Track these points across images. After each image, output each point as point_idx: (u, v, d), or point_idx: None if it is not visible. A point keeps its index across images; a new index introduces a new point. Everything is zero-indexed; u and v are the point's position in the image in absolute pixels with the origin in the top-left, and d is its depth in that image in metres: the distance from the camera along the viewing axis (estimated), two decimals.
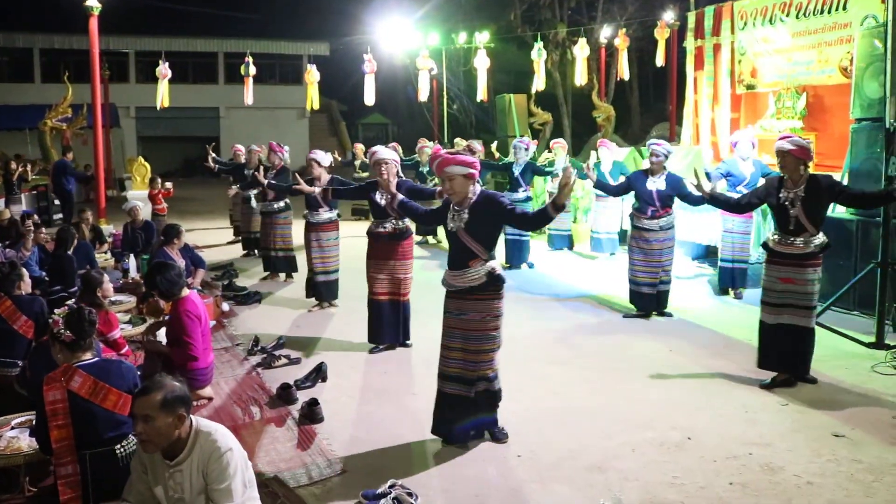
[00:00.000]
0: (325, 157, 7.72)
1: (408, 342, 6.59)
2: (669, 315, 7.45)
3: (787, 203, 5.29)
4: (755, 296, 7.96)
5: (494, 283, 4.39)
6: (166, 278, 5.18)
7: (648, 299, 7.40)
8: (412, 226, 6.58)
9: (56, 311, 3.79)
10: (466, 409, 4.46)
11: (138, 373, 3.94)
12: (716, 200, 5.98)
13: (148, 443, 2.95)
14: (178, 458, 2.97)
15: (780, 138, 5.39)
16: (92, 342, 3.77)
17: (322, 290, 7.94)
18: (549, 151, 11.89)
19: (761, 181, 7.34)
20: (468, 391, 4.44)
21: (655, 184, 7.18)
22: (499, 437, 4.58)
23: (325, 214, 7.88)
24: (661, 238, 7.27)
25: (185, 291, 5.29)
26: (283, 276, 9.55)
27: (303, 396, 5.25)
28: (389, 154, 6.16)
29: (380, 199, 6.30)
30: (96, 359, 3.74)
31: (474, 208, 4.40)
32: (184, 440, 2.97)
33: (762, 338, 5.50)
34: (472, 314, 4.40)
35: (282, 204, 9.39)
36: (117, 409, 3.56)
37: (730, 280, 8.16)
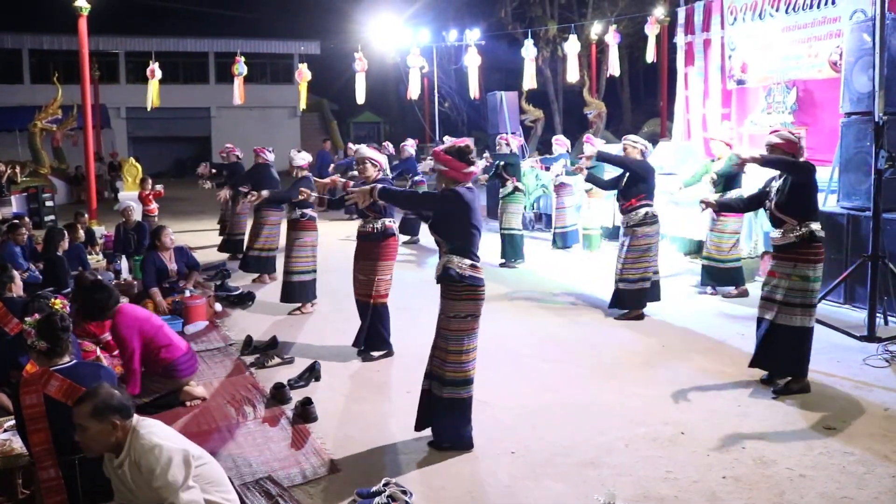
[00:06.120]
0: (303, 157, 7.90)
1: (361, 349, 6.21)
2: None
3: (769, 196, 5.28)
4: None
5: (449, 280, 4.25)
6: (94, 300, 5.02)
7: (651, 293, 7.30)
8: (394, 225, 6.25)
9: (27, 319, 3.72)
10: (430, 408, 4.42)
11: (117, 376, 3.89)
12: (726, 206, 6.06)
13: (86, 449, 3.07)
14: (119, 458, 3.04)
15: (770, 132, 5.41)
16: (69, 345, 3.73)
17: (307, 291, 7.83)
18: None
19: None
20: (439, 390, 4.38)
21: None
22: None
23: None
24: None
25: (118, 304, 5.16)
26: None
27: (296, 396, 5.24)
28: (371, 153, 6.13)
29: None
30: (74, 361, 3.72)
31: None
32: (122, 442, 3.03)
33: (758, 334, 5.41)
34: (441, 307, 4.34)
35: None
36: None
37: (718, 279, 7.96)
